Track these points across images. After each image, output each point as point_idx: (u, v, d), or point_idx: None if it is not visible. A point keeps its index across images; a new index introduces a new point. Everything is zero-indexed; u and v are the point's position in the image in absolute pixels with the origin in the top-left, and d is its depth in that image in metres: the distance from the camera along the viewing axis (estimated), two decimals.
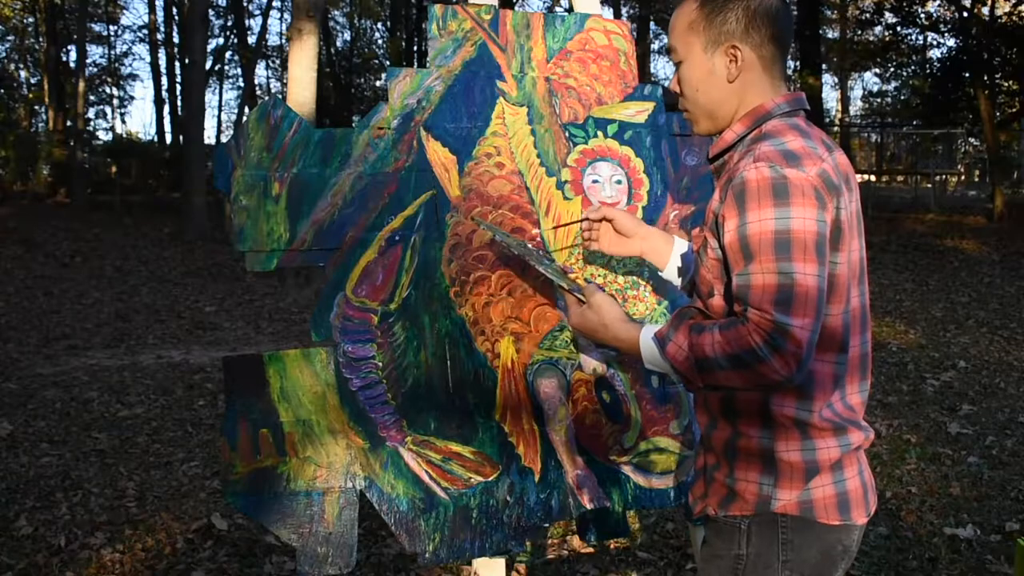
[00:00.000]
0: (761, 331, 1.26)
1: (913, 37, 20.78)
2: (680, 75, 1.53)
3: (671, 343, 1.38)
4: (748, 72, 1.45)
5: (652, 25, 25.43)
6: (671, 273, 1.76)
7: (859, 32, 23.70)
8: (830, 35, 28.87)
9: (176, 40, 27.56)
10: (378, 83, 27.90)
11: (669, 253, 1.75)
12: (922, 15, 18.71)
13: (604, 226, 1.79)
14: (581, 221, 1.84)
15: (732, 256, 1.35)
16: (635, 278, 2.03)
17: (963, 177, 26.35)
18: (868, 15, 20.64)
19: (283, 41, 29.09)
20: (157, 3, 28.29)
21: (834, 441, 1.42)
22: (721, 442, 1.48)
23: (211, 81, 27.24)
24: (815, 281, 1.28)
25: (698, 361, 1.33)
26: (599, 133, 2.06)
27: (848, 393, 1.45)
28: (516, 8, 19.24)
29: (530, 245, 1.93)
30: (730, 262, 1.36)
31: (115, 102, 32.87)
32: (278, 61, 30.80)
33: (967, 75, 17.75)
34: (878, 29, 21.33)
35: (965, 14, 17.15)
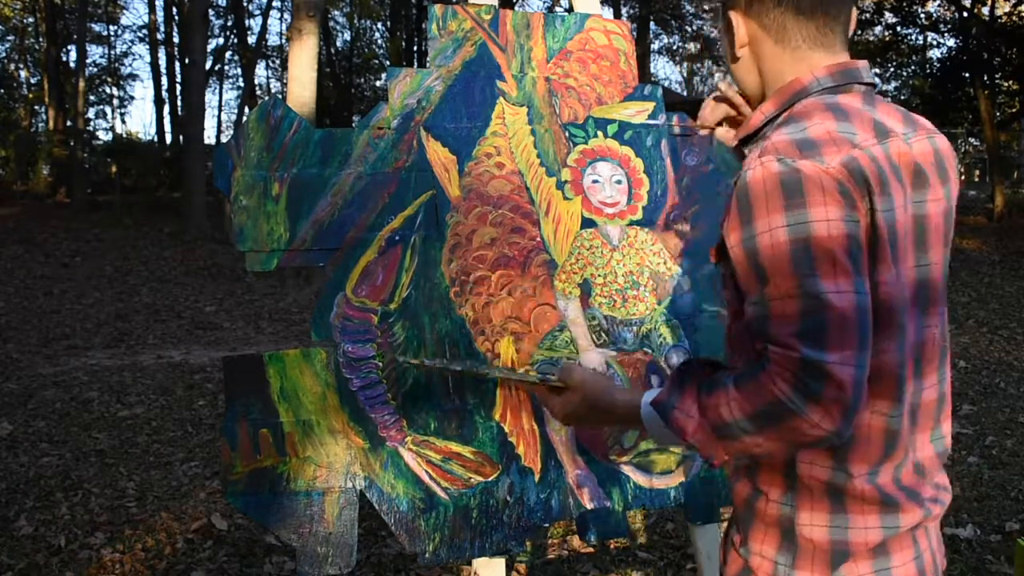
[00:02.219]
0: (786, 374, 0.99)
1: (913, 37, 20.79)
2: None
3: (675, 411, 1.10)
4: (755, 45, 1.21)
5: (652, 25, 25.43)
6: None
7: (859, 32, 23.69)
8: None
9: (176, 40, 27.56)
10: (378, 83, 27.91)
11: None
12: (922, 15, 18.72)
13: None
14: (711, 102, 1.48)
15: (743, 278, 1.09)
16: (634, 277, 2.03)
17: (963, 177, 26.35)
18: (868, 15, 20.63)
19: (283, 41, 29.09)
20: (157, 3, 28.30)
21: (876, 520, 1.11)
22: (741, 500, 1.21)
23: (211, 81, 27.24)
24: (852, 300, 1.00)
25: (714, 428, 1.06)
26: (599, 133, 2.06)
27: (907, 458, 1.13)
28: (516, 8, 19.24)
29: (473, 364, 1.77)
30: (741, 285, 1.10)
31: (115, 102, 32.86)
32: (278, 61, 30.80)
33: (967, 75, 17.76)
34: (878, 29, 21.32)
35: (965, 14, 17.15)
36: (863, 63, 1.19)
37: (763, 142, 1.13)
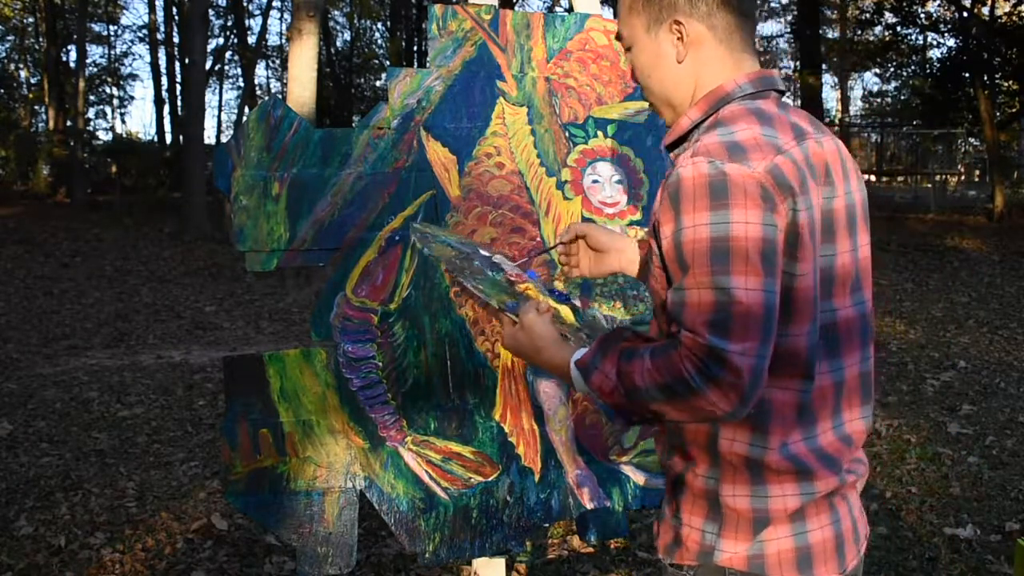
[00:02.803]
0: (693, 357, 1.09)
1: (913, 37, 20.79)
2: (631, 62, 1.35)
3: (597, 372, 1.19)
4: (699, 48, 1.26)
5: None
6: None
7: (859, 32, 23.69)
8: (830, 35, 28.87)
9: (176, 40, 27.57)
10: (378, 83, 27.91)
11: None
12: (922, 15, 18.72)
13: (581, 248, 1.60)
14: (555, 246, 1.65)
15: (671, 267, 1.18)
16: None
17: (963, 177, 26.35)
18: (868, 15, 20.63)
19: (283, 41, 29.10)
20: (157, 3, 28.30)
21: (793, 488, 1.21)
22: (672, 477, 1.31)
23: (211, 81, 27.24)
24: (760, 297, 1.09)
25: (628, 392, 1.15)
26: (599, 133, 2.06)
27: (823, 430, 1.24)
28: (516, 8, 19.23)
29: (478, 257, 1.70)
30: (670, 274, 1.19)
31: (115, 102, 32.87)
32: (278, 61, 30.81)
33: (967, 75, 17.76)
34: (878, 29, 21.33)
35: (965, 14, 17.16)
36: (776, 72, 1.29)
37: (696, 144, 1.19)
